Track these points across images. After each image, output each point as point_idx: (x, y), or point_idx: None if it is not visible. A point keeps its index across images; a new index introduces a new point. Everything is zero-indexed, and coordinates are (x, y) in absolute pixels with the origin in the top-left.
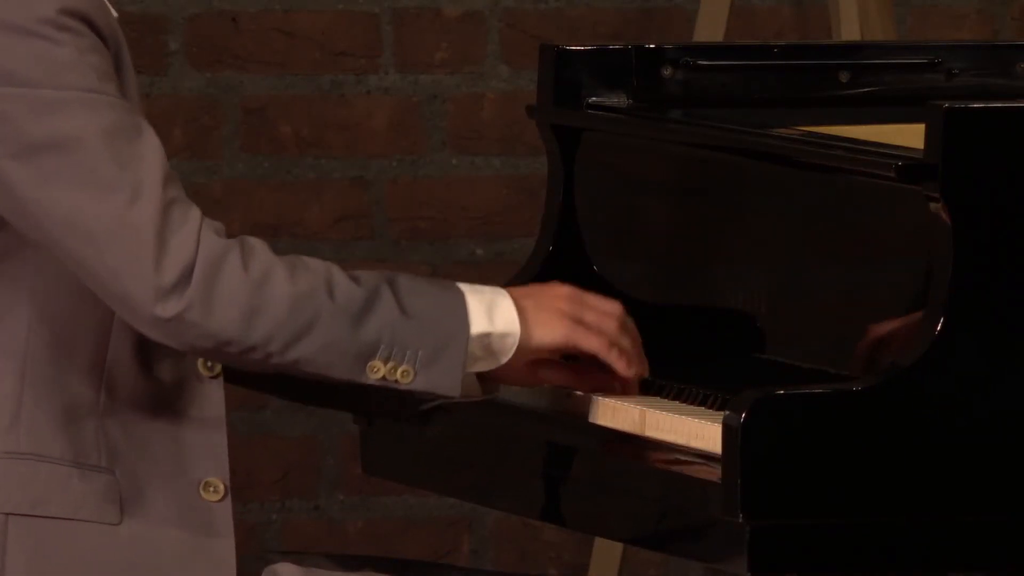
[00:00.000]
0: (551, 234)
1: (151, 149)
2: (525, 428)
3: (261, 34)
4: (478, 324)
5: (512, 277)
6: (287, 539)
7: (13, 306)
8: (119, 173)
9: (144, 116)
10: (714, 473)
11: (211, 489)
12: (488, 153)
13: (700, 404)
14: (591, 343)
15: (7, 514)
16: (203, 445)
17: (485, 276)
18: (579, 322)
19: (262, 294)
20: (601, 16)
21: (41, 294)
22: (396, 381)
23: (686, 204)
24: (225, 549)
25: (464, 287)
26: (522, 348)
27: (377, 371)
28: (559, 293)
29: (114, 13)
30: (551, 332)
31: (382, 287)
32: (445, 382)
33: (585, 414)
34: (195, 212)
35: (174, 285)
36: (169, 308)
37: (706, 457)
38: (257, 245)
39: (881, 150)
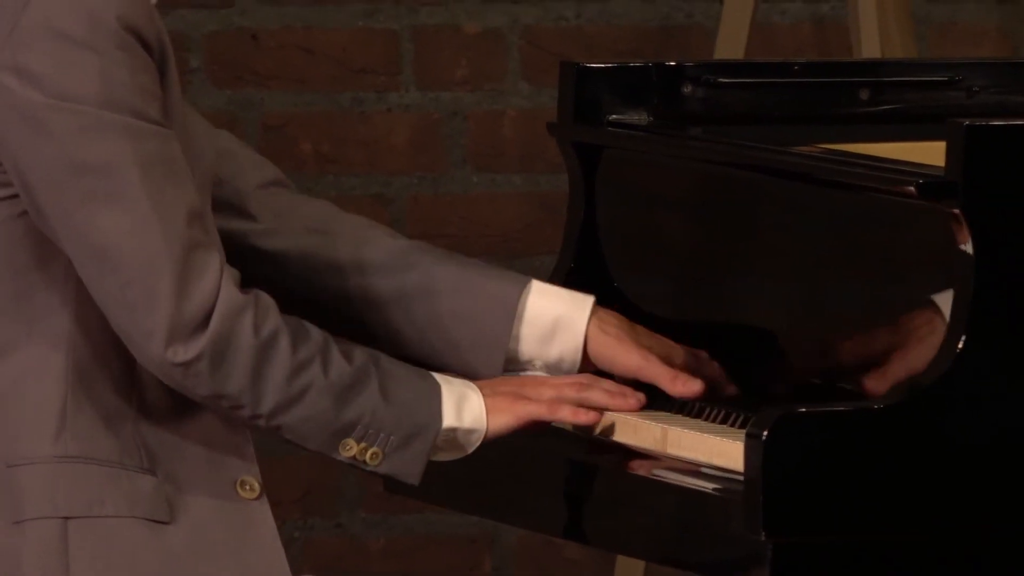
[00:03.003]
0: (572, 251)
1: (183, 185)
2: (547, 446)
3: (281, 51)
4: (448, 419)
5: None
6: (309, 557)
7: (56, 310)
8: (150, 207)
9: (183, 122)
10: (736, 491)
11: (247, 487)
12: (509, 170)
13: (722, 422)
14: (539, 411)
15: (65, 518)
16: (233, 445)
17: None
18: (531, 398)
19: (267, 358)
20: (621, 33)
21: (81, 299)
22: (364, 462)
23: (706, 221)
24: (272, 545)
25: (438, 377)
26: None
27: (349, 449)
28: (520, 379)
29: None
30: (504, 412)
31: (370, 368)
32: (409, 469)
33: (607, 431)
34: (217, 259)
35: (189, 332)
36: (180, 354)
37: (728, 475)
38: (270, 305)
39: (902, 167)
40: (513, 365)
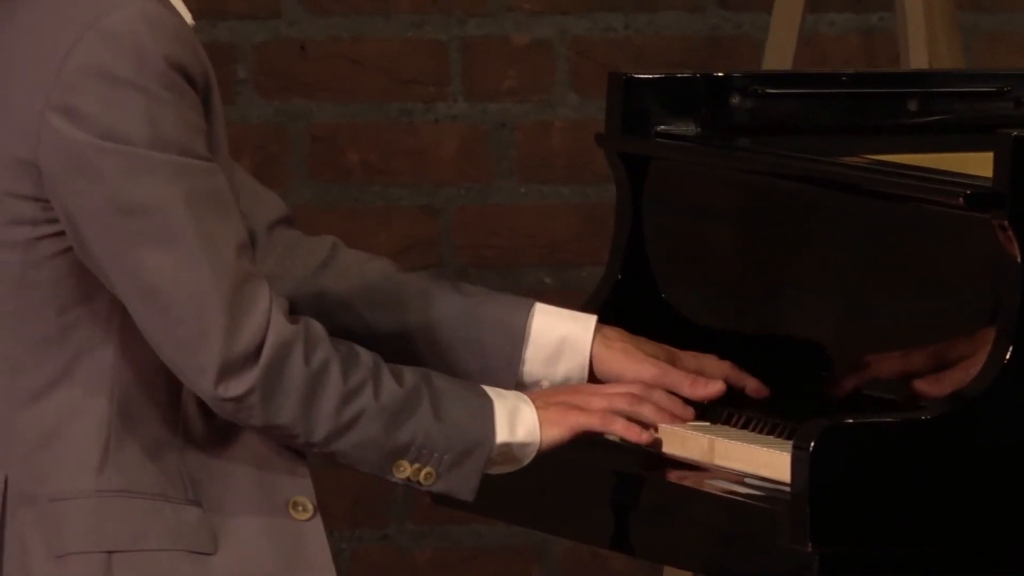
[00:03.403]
0: (619, 262)
1: (231, 218)
2: (594, 457)
3: (329, 62)
4: (502, 434)
5: (581, 305)
6: (357, 568)
7: (99, 345)
8: (199, 244)
9: (227, 150)
10: (783, 502)
11: (299, 508)
12: (557, 181)
13: (769, 433)
14: (592, 422)
15: (109, 552)
16: (285, 465)
17: (554, 304)
18: (582, 408)
19: (318, 388)
20: (670, 44)
21: (124, 333)
22: (419, 482)
23: (754, 232)
24: (323, 566)
25: (491, 392)
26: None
27: (403, 471)
28: (569, 390)
29: (191, 20)
30: (557, 425)
31: (421, 388)
32: (463, 487)
33: (654, 443)
34: (266, 290)
35: (240, 367)
36: (231, 389)
37: (775, 486)
38: (320, 333)
39: (949, 178)
40: (518, 388)
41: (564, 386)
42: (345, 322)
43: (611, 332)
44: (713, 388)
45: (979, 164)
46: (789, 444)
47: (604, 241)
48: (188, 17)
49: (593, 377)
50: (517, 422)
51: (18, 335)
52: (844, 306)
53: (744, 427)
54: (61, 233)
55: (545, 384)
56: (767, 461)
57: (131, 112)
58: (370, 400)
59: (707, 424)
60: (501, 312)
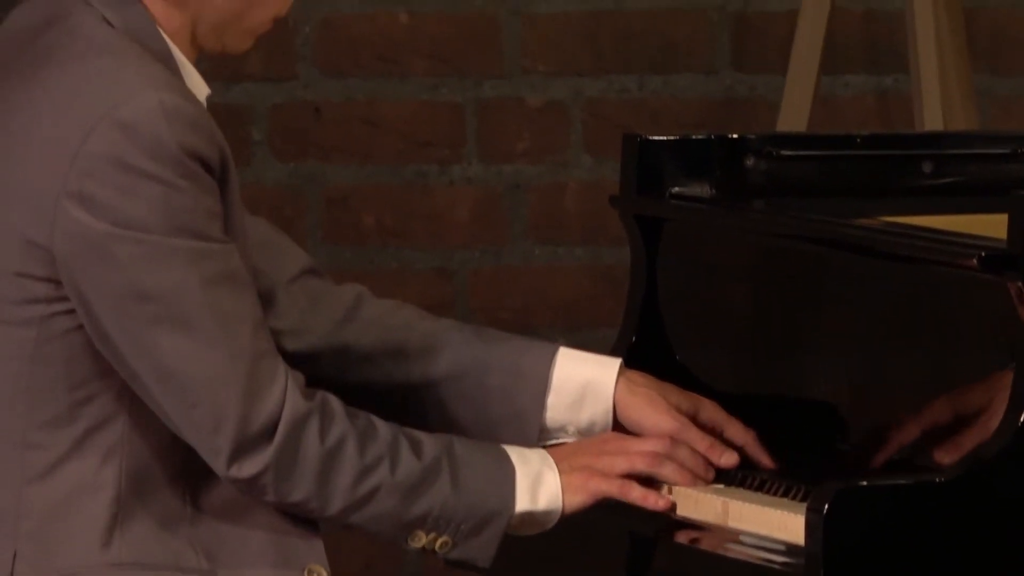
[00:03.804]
0: (634, 324)
1: (247, 300)
2: (607, 518)
3: (344, 124)
4: (523, 503)
5: None
6: None
7: (111, 419)
8: (216, 327)
9: (243, 226)
10: (798, 564)
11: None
12: (571, 243)
13: (783, 495)
14: (612, 490)
15: None
16: (299, 533)
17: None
18: (604, 474)
19: (334, 465)
20: (684, 106)
21: (134, 408)
22: (434, 551)
23: (769, 294)
24: None
25: (515, 457)
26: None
27: (419, 540)
28: (593, 449)
29: (206, 91)
30: (579, 492)
31: (442, 459)
32: (481, 555)
33: (670, 508)
34: (281, 368)
35: (254, 447)
36: (244, 469)
37: (790, 548)
38: (336, 409)
39: (964, 240)
40: (544, 433)
41: (588, 442)
42: (369, 375)
43: (636, 377)
44: (728, 460)
45: (994, 226)
46: (803, 506)
47: (618, 303)
48: (204, 87)
49: (617, 422)
50: (539, 490)
51: (30, 411)
52: (859, 367)
53: (758, 489)
54: (73, 311)
55: (571, 429)
56: (781, 524)
57: (147, 200)
58: (386, 476)
59: (721, 486)
60: (524, 359)
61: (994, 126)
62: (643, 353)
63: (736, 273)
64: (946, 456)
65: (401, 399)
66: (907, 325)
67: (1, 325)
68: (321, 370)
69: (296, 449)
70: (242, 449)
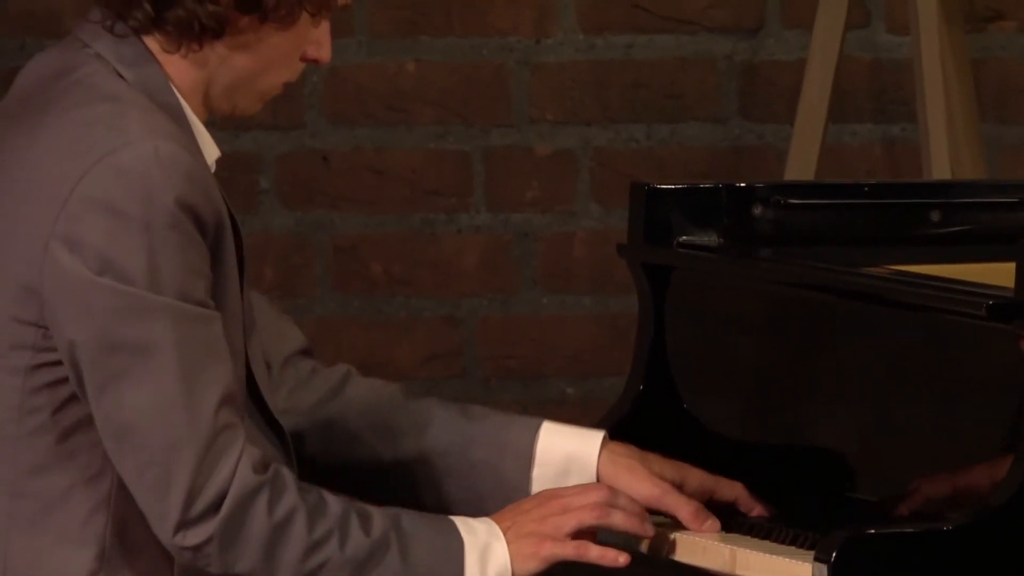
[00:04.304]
0: (642, 372)
1: (218, 369)
2: (615, 568)
3: (352, 172)
4: (471, 572)
5: (603, 416)
6: None
7: (98, 474)
8: (183, 391)
9: (236, 293)
10: None
11: None
12: (579, 291)
13: (791, 543)
14: (566, 552)
15: None
16: None
17: (576, 415)
18: (554, 537)
19: (281, 539)
20: (692, 155)
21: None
22: None
23: (776, 342)
24: None
25: (461, 528)
26: None
27: None
28: (535, 513)
29: (216, 154)
30: (530, 559)
31: (389, 534)
32: None
33: (674, 551)
34: (239, 443)
35: (201, 516)
36: (189, 538)
37: None
38: (287, 484)
39: (971, 289)
40: None
41: (528, 503)
42: (356, 453)
43: (619, 448)
44: (709, 526)
45: (1002, 275)
46: (811, 555)
47: (626, 351)
48: (215, 150)
49: None
50: (488, 560)
51: (17, 460)
52: (867, 415)
53: (766, 537)
54: (59, 362)
55: None
56: (789, 571)
57: (132, 249)
58: (335, 551)
59: (728, 534)
60: (508, 435)
61: (1001, 175)
62: (651, 401)
63: (744, 321)
64: (953, 504)
65: (387, 476)
66: (915, 373)
67: None
68: (308, 449)
69: (242, 521)
70: (188, 519)
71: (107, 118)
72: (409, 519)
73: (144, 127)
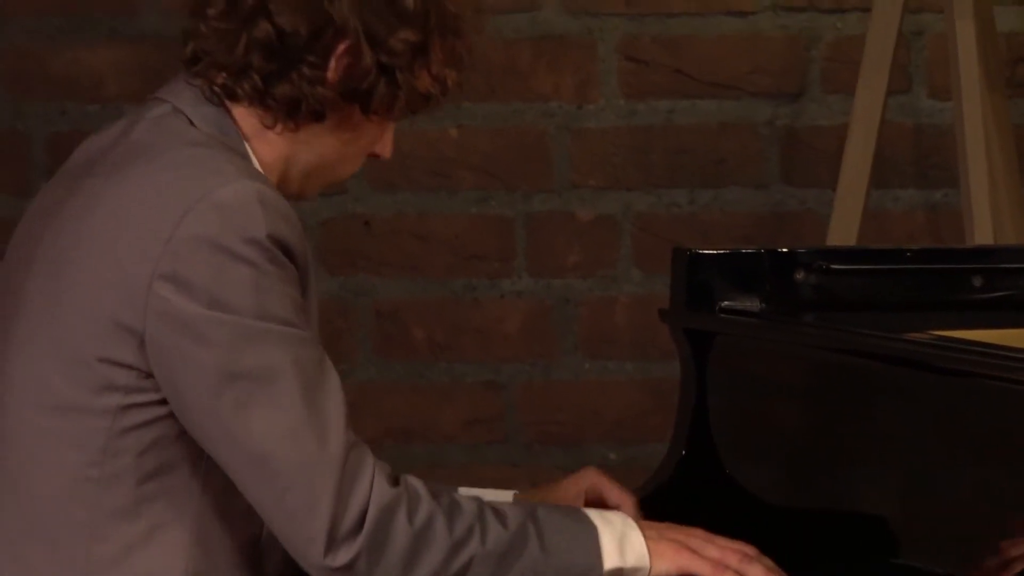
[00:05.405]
0: (684, 438)
1: (335, 389)
2: None
3: (394, 237)
4: (611, 559)
5: (644, 482)
6: None
7: (175, 520)
8: (308, 412)
9: (318, 330)
10: None
11: None
12: (621, 357)
13: None
14: (704, 569)
15: None
16: None
17: (617, 481)
18: (696, 552)
19: (424, 543)
20: (734, 220)
21: (201, 513)
22: None
23: (819, 407)
24: None
25: (597, 520)
26: None
27: None
28: (681, 531)
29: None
30: (669, 560)
31: (527, 525)
32: None
33: None
34: (369, 458)
35: (347, 535)
36: (339, 558)
37: None
38: (421, 491)
39: (1015, 354)
40: None
41: (676, 526)
42: None
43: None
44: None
45: None
46: None
47: (668, 417)
48: None
49: None
50: (626, 547)
51: (97, 503)
52: (910, 482)
53: None
54: (150, 403)
55: None
56: None
57: (238, 283)
58: (478, 547)
59: None
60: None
61: None
62: (693, 467)
63: (786, 387)
64: (998, 571)
65: None
66: (958, 439)
67: (75, 413)
68: None
69: (386, 534)
70: (335, 538)
71: (200, 160)
72: (544, 510)
73: (240, 170)
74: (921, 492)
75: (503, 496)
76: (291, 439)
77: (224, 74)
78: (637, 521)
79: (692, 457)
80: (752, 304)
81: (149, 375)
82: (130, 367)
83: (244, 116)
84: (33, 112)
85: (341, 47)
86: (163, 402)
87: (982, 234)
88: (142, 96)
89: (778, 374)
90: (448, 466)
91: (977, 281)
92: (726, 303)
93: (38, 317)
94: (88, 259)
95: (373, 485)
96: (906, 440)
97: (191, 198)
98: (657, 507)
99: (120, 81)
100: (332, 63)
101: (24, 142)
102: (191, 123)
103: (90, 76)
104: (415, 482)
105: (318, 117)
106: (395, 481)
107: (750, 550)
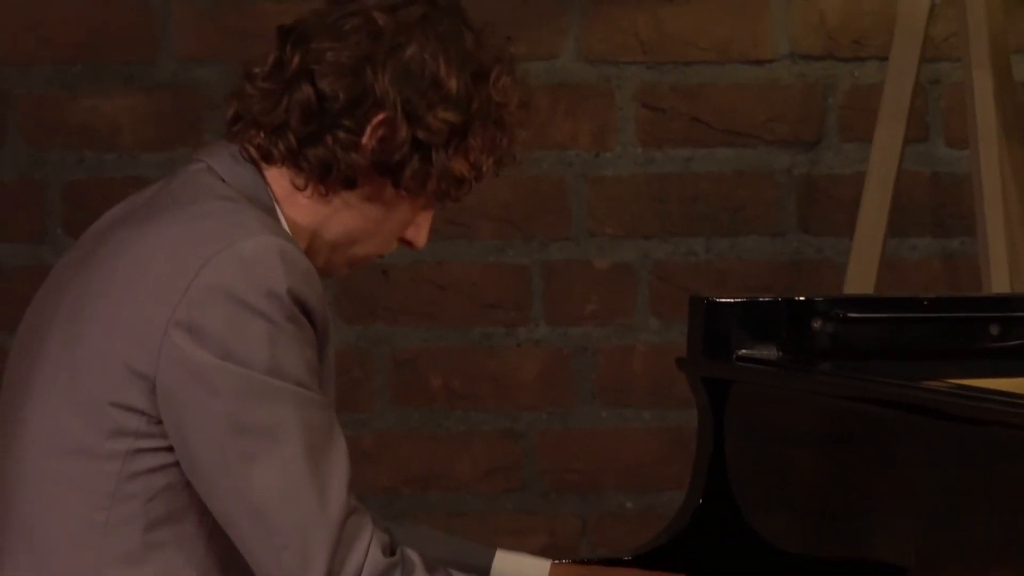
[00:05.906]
0: (701, 486)
1: (340, 454)
2: None
3: (412, 286)
4: None
5: (661, 530)
6: None
7: (181, 570)
8: (312, 473)
9: (333, 395)
10: None
11: None
12: (638, 405)
13: None
14: None
15: None
16: None
17: (635, 529)
18: None
19: None
20: (751, 268)
21: (208, 563)
22: None
23: (836, 456)
24: None
25: None
26: None
27: None
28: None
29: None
30: None
31: None
32: None
33: None
34: (368, 525)
35: None
36: None
37: None
38: (416, 563)
39: None
40: None
41: (612, 570)
42: None
43: (568, 567)
44: None
45: None
46: None
47: (685, 465)
48: None
49: None
50: None
51: (104, 548)
52: (927, 531)
53: None
54: (160, 449)
55: None
56: None
57: (253, 336)
58: None
59: None
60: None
61: None
62: (710, 515)
63: (803, 435)
64: None
65: None
66: (975, 487)
67: (86, 456)
68: None
69: None
70: None
71: (225, 212)
72: None
73: (264, 225)
74: (939, 541)
75: (541, 566)
76: (291, 497)
77: (262, 133)
78: None
79: (710, 505)
80: (769, 352)
81: (159, 421)
82: (141, 412)
83: (276, 178)
84: (51, 160)
85: (378, 117)
86: (172, 449)
87: (999, 282)
88: (159, 144)
89: (795, 422)
90: (465, 514)
91: (994, 329)
92: (743, 351)
93: (57, 360)
94: (108, 303)
95: (368, 552)
96: (923, 489)
97: (213, 248)
98: (675, 556)
99: (137, 129)
100: (368, 131)
101: (41, 190)
102: (222, 180)
103: (108, 124)
104: (412, 555)
105: (349, 184)
106: (392, 551)
107: None
